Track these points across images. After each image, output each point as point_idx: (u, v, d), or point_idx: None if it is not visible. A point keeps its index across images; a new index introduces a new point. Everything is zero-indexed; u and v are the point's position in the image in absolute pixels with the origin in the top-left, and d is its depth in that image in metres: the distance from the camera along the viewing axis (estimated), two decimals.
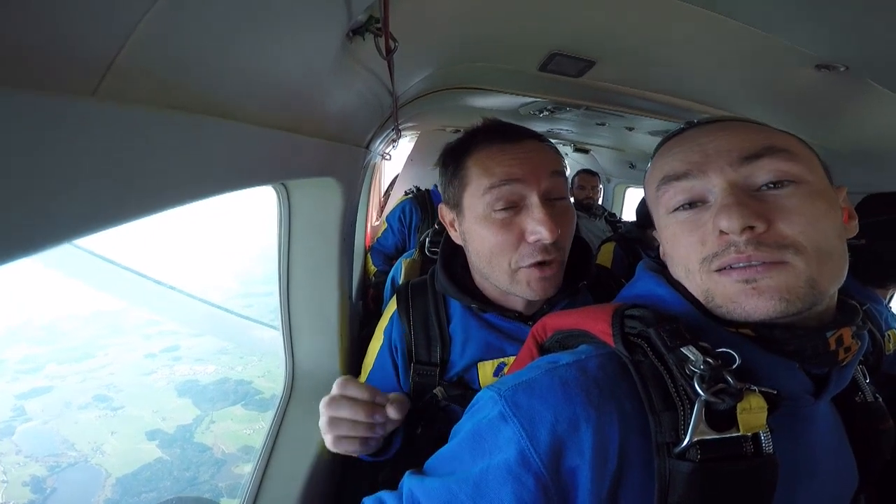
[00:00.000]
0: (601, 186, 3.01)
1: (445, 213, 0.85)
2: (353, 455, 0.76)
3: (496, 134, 0.78)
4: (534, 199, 0.72)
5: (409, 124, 2.44)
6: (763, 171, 0.46)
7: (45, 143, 0.28)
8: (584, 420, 0.42)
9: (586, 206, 2.86)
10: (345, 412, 0.71)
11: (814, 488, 0.48)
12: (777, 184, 0.46)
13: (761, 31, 0.80)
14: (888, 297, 1.34)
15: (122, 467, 15.61)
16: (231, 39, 0.43)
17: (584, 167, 3.31)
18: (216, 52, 0.42)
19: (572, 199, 2.82)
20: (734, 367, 0.42)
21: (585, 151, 3.67)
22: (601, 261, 2.02)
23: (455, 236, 0.84)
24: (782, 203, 0.45)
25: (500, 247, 0.73)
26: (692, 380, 0.41)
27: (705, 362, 0.41)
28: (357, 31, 0.67)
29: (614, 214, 3.19)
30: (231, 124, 0.51)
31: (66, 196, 0.31)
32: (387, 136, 1.78)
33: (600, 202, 3.03)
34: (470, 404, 0.52)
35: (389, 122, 1.45)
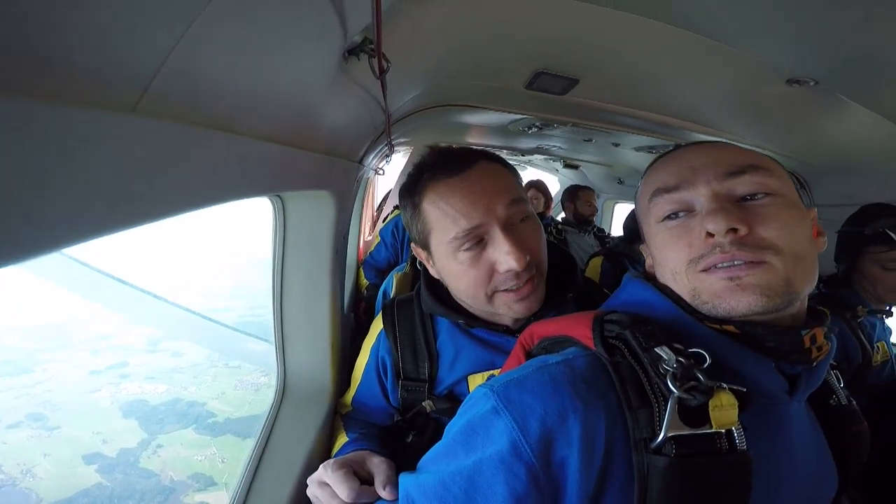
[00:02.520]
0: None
1: (419, 252, 0.89)
2: None
3: (441, 167, 0.80)
4: (496, 233, 0.75)
5: (402, 139, 2.51)
6: (744, 185, 0.54)
7: (78, 153, 0.33)
8: (571, 411, 0.47)
9: (588, 222, 3.01)
10: (325, 500, 0.70)
11: (794, 488, 0.53)
12: (756, 195, 0.53)
13: (734, 48, 0.89)
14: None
15: (56, 492, 14.79)
16: (239, 62, 0.50)
17: (574, 183, 3.47)
18: (226, 72, 0.50)
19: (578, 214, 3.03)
20: (705, 365, 0.47)
21: (575, 167, 3.82)
22: (589, 275, 2.10)
23: (433, 272, 0.88)
24: (761, 211, 0.52)
25: (474, 282, 0.77)
26: (665, 378, 0.46)
27: (677, 361, 0.47)
28: (352, 52, 0.74)
29: (603, 230, 3.32)
30: (234, 137, 0.58)
31: (63, 202, 0.34)
32: (380, 150, 1.85)
33: None
34: (463, 402, 0.57)
35: (382, 137, 1.53)
